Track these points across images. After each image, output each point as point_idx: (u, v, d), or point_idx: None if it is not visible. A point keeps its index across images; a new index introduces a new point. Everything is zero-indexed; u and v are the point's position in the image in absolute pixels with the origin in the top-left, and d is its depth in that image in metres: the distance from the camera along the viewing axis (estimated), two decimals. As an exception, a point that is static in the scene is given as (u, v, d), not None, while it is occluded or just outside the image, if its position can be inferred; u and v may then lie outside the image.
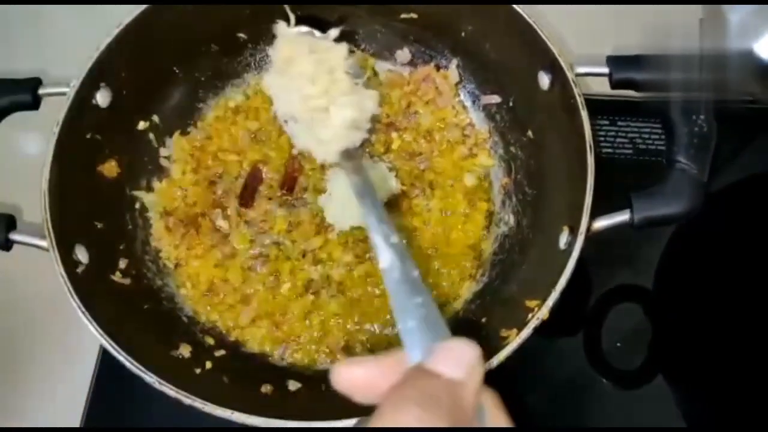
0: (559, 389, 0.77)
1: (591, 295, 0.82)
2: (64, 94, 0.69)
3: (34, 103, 0.70)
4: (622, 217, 0.63)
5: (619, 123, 0.89)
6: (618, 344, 0.79)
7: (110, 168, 0.74)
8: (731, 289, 0.82)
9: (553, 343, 0.79)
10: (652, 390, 0.77)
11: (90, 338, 0.60)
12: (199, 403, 0.58)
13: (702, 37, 0.68)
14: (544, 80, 0.72)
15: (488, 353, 0.61)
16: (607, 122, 0.89)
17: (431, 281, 0.76)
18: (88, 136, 0.72)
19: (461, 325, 0.73)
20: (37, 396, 0.78)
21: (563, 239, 0.66)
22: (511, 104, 0.80)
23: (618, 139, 0.89)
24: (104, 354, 0.76)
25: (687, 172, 0.62)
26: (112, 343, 0.60)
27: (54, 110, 0.68)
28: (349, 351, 0.73)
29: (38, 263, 0.63)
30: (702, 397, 0.78)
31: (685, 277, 0.84)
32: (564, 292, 0.61)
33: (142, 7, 0.72)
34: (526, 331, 0.59)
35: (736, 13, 0.67)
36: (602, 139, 0.89)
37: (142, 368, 0.59)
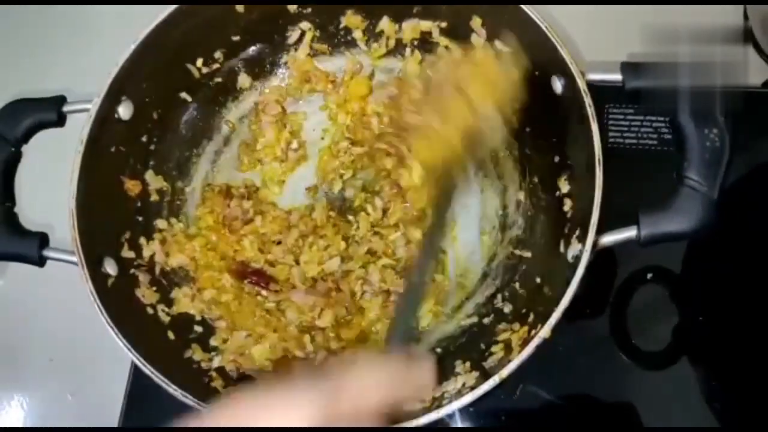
0: (582, 368, 0.78)
1: (617, 275, 0.82)
2: (87, 110, 0.71)
3: (60, 121, 0.72)
4: (629, 233, 0.63)
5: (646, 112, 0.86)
6: (643, 325, 0.80)
7: (134, 186, 0.76)
8: (759, 276, 0.80)
9: (579, 322, 0.79)
10: (676, 372, 0.78)
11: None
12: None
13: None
14: (557, 85, 0.70)
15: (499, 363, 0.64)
16: (631, 110, 0.87)
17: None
18: (113, 150, 0.74)
19: (471, 328, 0.75)
20: (70, 407, 0.84)
21: (571, 251, 0.66)
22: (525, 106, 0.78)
23: (642, 129, 0.86)
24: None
25: (697, 190, 0.61)
26: (145, 362, 0.63)
27: (81, 126, 0.70)
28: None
29: (73, 275, 0.66)
30: (726, 380, 0.78)
31: (713, 263, 0.83)
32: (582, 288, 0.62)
33: (156, 21, 0.73)
34: (528, 350, 0.60)
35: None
36: (626, 128, 0.87)
37: (179, 389, 0.62)
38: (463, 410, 0.77)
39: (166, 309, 0.74)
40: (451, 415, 0.75)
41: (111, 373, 0.81)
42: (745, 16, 0.89)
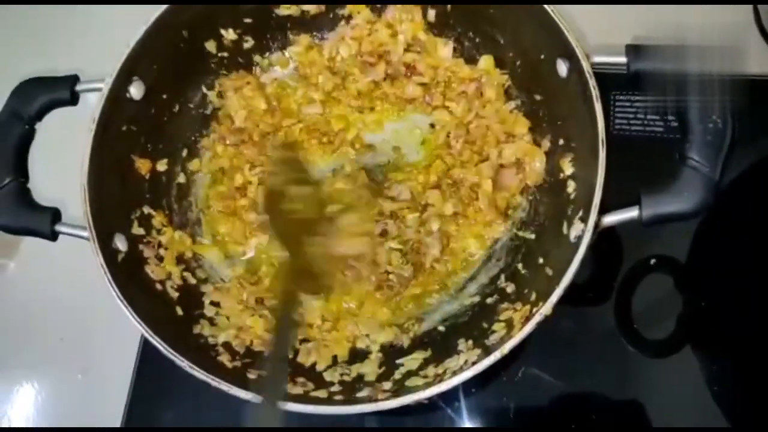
0: (584, 353, 0.79)
1: (622, 263, 0.82)
2: (100, 89, 0.72)
3: (73, 100, 0.74)
4: (631, 213, 0.63)
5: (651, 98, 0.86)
6: (647, 313, 0.80)
7: (143, 164, 0.78)
8: (765, 267, 0.80)
9: (583, 308, 0.81)
10: (679, 360, 0.78)
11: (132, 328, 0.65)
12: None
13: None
14: (562, 68, 0.71)
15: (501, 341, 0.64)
16: (638, 98, 0.87)
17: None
18: (124, 128, 0.75)
19: (474, 307, 0.76)
20: (80, 386, 0.86)
21: (574, 232, 0.66)
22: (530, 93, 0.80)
23: (649, 116, 0.86)
24: (145, 344, 0.80)
25: (698, 170, 0.61)
26: (153, 335, 0.64)
27: (93, 105, 0.72)
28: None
29: (84, 258, 0.68)
30: (726, 365, 0.78)
31: (720, 252, 0.83)
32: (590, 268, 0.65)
33: (168, 3, 0.74)
34: (529, 327, 0.61)
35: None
36: (632, 116, 0.87)
37: (186, 360, 0.63)
38: (467, 391, 0.78)
39: (175, 285, 0.75)
40: (456, 408, 0.77)
41: (120, 353, 0.83)
42: (755, 11, 0.90)
